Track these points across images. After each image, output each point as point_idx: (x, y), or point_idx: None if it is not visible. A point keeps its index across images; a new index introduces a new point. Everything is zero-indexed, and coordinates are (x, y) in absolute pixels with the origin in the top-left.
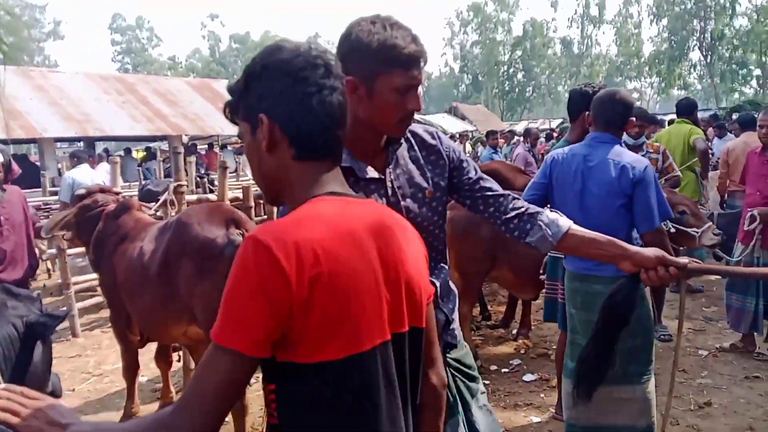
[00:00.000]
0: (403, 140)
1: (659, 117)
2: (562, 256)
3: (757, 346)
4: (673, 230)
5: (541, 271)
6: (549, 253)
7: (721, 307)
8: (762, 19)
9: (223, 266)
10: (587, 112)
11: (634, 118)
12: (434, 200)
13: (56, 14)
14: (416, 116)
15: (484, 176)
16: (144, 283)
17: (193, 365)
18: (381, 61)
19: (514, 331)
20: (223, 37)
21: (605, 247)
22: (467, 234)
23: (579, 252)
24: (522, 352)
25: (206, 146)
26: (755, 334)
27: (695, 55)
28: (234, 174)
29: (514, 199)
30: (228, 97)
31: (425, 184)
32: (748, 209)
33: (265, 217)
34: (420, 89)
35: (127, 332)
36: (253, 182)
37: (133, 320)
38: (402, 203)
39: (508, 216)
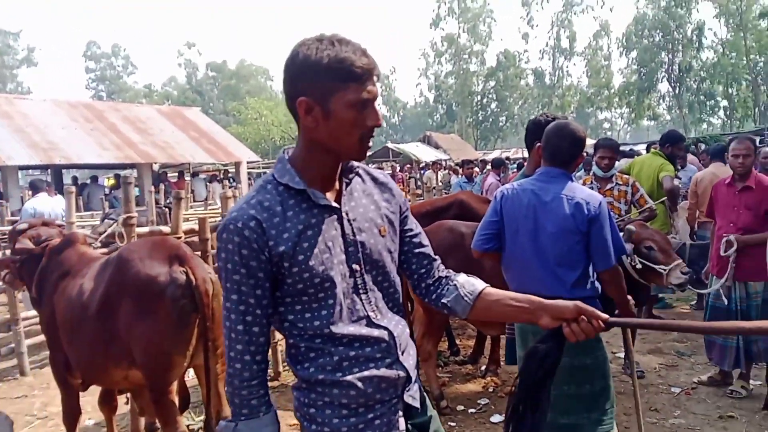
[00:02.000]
0: (355, 175)
1: (630, 147)
2: None
3: (733, 379)
4: (639, 266)
5: None
6: (512, 285)
7: (692, 341)
8: (727, 52)
9: (165, 307)
10: (538, 143)
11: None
12: (387, 239)
13: (30, 41)
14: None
15: (423, 234)
16: (83, 323)
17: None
18: (334, 78)
19: (483, 368)
20: (199, 65)
21: (521, 303)
22: None
23: (494, 311)
24: (490, 390)
25: (176, 174)
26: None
27: (664, 87)
28: (203, 203)
29: (440, 264)
30: (201, 125)
31: (379, 220)
32: (724, 235)
33: None
34: (377, 105)
35: (67, 375)
36: (212, 212)
37: (72, 363)
38: (357, 237)
39: (432, 279)
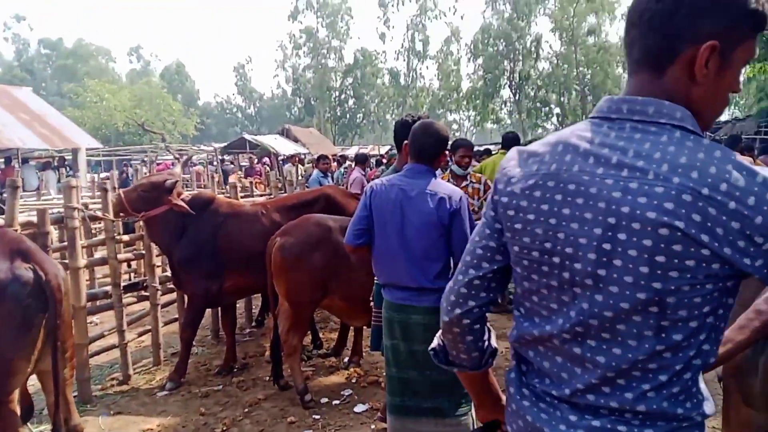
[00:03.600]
0: None
1: (485, 147)
2: None
3: None
4: None
5: (371, 299)
6: (376, 281)
7: None
8: (561, 64)
9: (6, 307)
10: (407, 141)
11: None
12: None
13: None
14: (248, 136)
15: None
16: None
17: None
18: (755, 23)
19: (346, 359)
20: (31, 41)
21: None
22: (299, 262)
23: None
24: (353, 381)
25: (3, 161)
26: None
27: (506, 93)
28: (35, 193)
29: None
30: (32, 106)
31: None
32: None
33: (66, 244)
34: None
35: None
36: (52, 204)
37: None
38: None
39: None
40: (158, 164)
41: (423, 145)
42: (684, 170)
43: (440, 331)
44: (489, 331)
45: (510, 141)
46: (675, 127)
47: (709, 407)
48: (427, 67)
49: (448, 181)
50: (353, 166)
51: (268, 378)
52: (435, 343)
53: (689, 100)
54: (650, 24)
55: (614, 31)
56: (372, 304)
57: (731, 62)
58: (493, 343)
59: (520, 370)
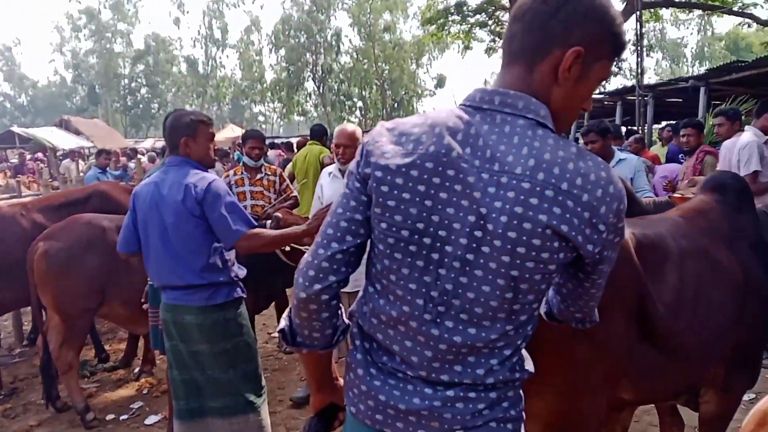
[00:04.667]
0: None
1: (285, 140)
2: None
3: None
4: (288, 249)
5: (143, 300)
6: (149, 281)
7: None
8: (361, 59)
9: None
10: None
11: (238, 145)
12: None
13: None
14: (17, 129)
15: None
16: None
17: None
18: (613, 45)
19: (136, 370)
20: None
21: None
22: (67, 268)
23: None
24: (145, 392)
25: None
26: None
27: (310, 86)
28: None
29: None
30: None
31: None
32: None
33: None
34: None
35: None
36: None
37: None
38: None
39: None
40: None
41: (168, 136)
42: (547, 166)
43: (290, 311)
44: (341, 307)
45: (318, 133)
46: (539, 124)
47: (530, 365)
48: (227, 56)
49: (241, 173)
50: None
51: (42, 401)
52: (283, 324)
53: (549, 100)
54: (532, 21)
55: (408, 29)
56: (146, 306)
57: (589, 75)
58: (345, 319)
59: (365, 348)
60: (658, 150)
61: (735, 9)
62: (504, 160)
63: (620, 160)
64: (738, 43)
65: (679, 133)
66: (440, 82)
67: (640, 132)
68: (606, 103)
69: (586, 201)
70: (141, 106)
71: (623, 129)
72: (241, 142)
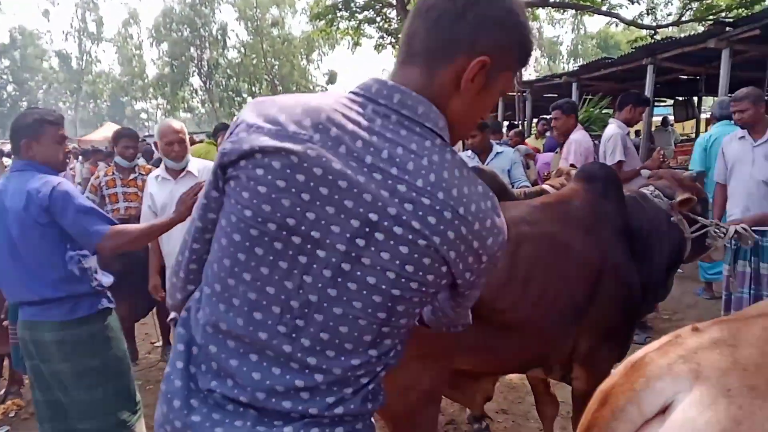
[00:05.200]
0: None
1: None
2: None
3: None
4: None
5: (2, 317)
6: (8, 299)
7: None
8: (249, 54)
9: None
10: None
11: (113, 147)
12: None
13: None
14: None
15: None
16: None
17: None
18: (520, 55)
19: (2, 392)
20: None
21: None
22: None
23: None
24: (12, 415)
25: None
26: None
27: (196, 81)
28: None
29: None
30: None
31: None
32: None
33: None
34: None
35: None
36: None
37: None
38: None
39: None
40: None
41: (10, 138)
42: (447, 186)
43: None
44: None
45: (221, 130)
46: (436, 134)
47: (382, 394)
48: (104, 51)
49: (112, 174)
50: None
51: None
52: (172, 315)
53: (447, 109)
54: (437, 21)
55: (296, 24)
56: (6, 323)
57: (492, 86)
58: None
59: (189, 373)
60: (533, 142)
61: (603, 9)
62: (404, 167)
63: (498, 153)
64: (608, 41)
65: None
66: (332, 78)
67: (520, 126)
68: None
69: (477, 230)
70: (8, 104)
71: (506, 123)
72: (112, 141)
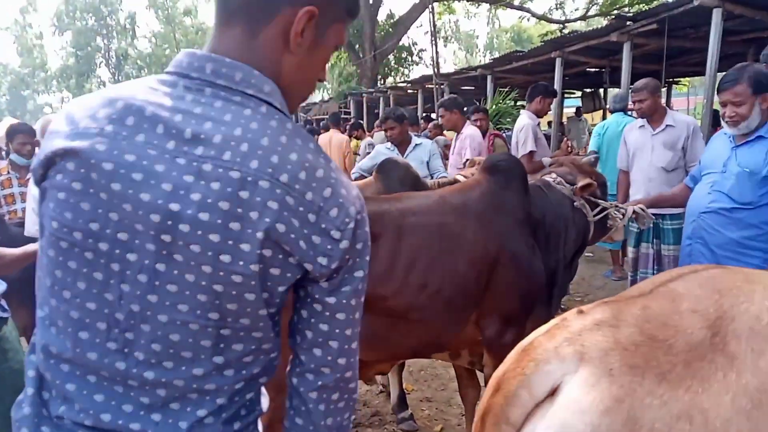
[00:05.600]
0: None
1: None
2: None
3: None
4: None
5: None
6: None
7: None
8: (160, 44)
9: None
10: None
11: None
12: None
13: None
14: None
15: None
16: None
17: None
18: (347, 4)
19: None
20: None
21: None
22: None
23: None
24: None
25: None
26: None
27: (104, 72)
28: None
29: None
30: None
31: None
32: None
33: None
34: None
35: None
36: None
37: None
38: None
39: None
40: None
41: None
42: (264, 153)
43: None
44: None
45: None
46: (261, 101)
47: (265, 403)
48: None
49: (8, 173)
50: None
51: None
52: None
53: (280, 71)
54: None
55: (210, 13)
56: None
57: (324, 41)
58: None
59: (41, 400)
60: (451, 134)
61: (515, 3)
62: (210, 142)
63: (417, 144)
64: (521, 35)
65: (471, 118)
66: None
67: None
68: (409, 91)
69: (310, 200)
70: None
71: (425, 115)
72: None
